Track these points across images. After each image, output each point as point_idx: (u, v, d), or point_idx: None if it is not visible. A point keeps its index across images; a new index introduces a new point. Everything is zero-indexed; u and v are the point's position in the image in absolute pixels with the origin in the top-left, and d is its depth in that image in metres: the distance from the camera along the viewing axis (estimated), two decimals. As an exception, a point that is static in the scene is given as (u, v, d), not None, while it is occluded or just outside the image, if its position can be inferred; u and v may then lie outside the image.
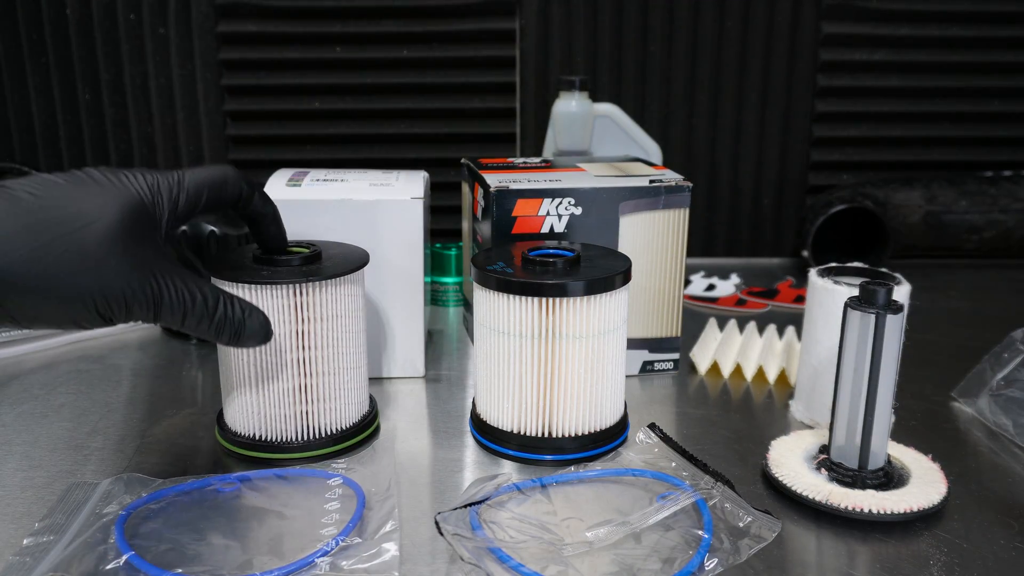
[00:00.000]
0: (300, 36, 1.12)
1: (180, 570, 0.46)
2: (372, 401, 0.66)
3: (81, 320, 0.45)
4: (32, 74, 1.13)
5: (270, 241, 0.58)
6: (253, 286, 0.56)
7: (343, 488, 0.55)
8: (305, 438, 0.60)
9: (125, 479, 0.55)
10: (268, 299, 0.56)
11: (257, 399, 0.59)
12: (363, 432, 0.62)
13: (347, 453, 0.61)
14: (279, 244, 0.58)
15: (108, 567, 0.46)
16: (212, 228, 0.72)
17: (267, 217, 0.56)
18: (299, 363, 0.58)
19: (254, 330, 0.52)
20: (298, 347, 0.58)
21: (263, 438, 0.60)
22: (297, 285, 0.56)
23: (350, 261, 0.61)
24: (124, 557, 0.47)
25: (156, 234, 0.47)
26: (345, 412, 0.61)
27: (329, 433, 0.60)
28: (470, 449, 0.63)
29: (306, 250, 0.60)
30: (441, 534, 0.49)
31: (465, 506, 0.51)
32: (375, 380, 0.74)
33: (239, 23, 1.11)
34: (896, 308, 0.52)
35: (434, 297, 0.97)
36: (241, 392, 0.59)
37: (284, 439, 0.59)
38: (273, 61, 1.12)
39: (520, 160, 0.82)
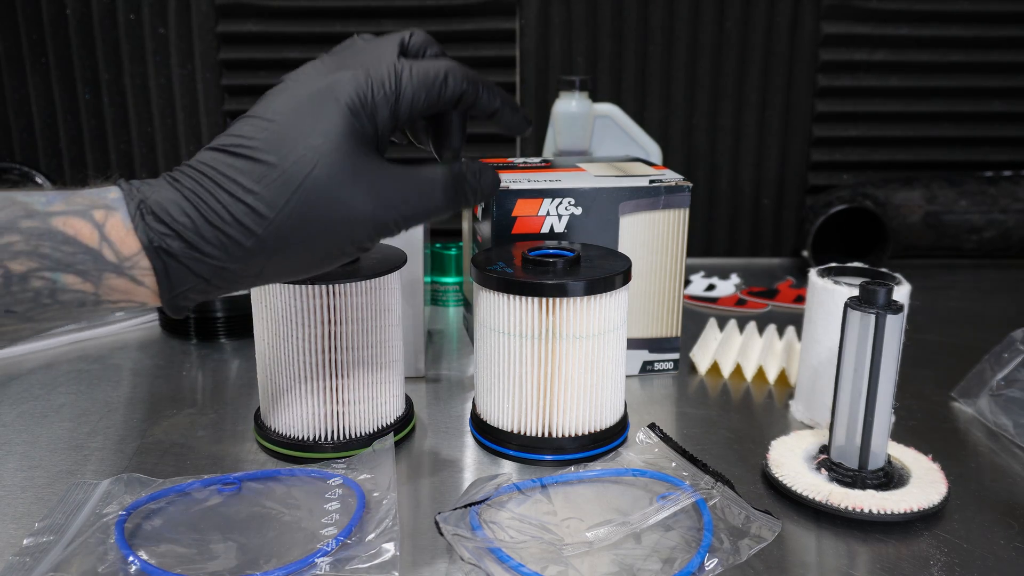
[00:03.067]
0: (300, 36, 1.12)
1: (180, 570, 0.46)
2: (408, 402, 0.66)
3: (340, 255, 0.44)
4: (32, 74, 1.13)
5: (512, 129, 0.52)
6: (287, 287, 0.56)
7: (343, 488, 0.55)
8: (339, 439, 0.60)
9: (125, 479, 0.55)
10: (298, 299, 0.56)
11: (291, 399, 0.59)
12: (398, 433, 0.62)
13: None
14: (519, 130, 0.52)
15: (108, 567, 0.46)
16: None
17: (500, 112, 0.51)
18: (330, 364, 0.58)
19: (489, 191, 0.49)
20: (329, 348, 0.58)
21: (298, 438, 0.60)
22: (327, 286, 0.56)
23: (385, 263, 0.60)
24: (124, 557, 0.47)
25: (374, 150, 0.44)
26: (378, 413, 0.61)
27: (362, 434, 0.60)
28: (470, 449, 0.63)
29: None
30: (441, 534, 0.49)
31: (465, 506, 0.51)
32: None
33: (239, 23, 1.11)
34: (896, 308, 0.52)
35: (434, 297, 0.97)
36: (277, 392, 0.59)
37: (318, 438, 0.59)
38: (273, 61, 1.12)
39: (520, 160, 0.82)
